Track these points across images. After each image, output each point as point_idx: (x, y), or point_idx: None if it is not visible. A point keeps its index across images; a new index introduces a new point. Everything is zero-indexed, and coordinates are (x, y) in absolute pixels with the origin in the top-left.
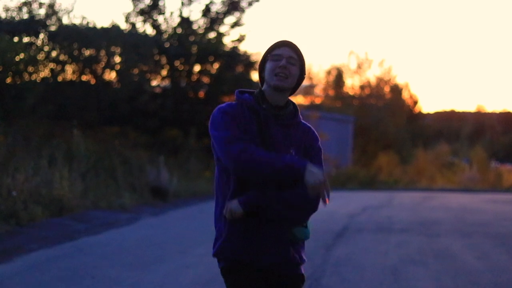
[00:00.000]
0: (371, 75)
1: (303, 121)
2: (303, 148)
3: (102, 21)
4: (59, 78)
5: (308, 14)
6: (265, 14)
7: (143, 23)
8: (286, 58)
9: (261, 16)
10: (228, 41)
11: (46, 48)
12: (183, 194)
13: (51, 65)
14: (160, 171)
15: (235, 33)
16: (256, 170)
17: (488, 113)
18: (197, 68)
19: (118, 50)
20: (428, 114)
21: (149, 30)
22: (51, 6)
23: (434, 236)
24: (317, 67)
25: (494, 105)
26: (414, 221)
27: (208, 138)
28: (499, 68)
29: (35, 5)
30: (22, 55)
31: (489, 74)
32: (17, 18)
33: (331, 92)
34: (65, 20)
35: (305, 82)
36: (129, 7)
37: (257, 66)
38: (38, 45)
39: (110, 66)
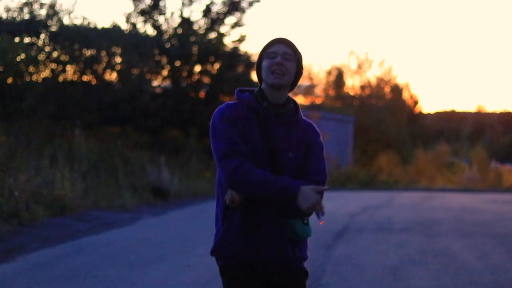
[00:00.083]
0: (372, 75)
1: (304, 117)
2: (305, 145)
3: (103, 22)
4: (60, 79)
5: (308, 14)
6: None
7: (143, 23)
8: (281, 55)
9: (262, 16)
10: (228, 42)
11: (47, 49)
12: (183, 194)
13: (52, 65)
14: (161, 171)
15: (235, 34)
16: (249, 191)
17: (488, 113)
18: (197, 68)
19: (119, 50)
20: (429, 114)
21: (150, 31)
22: (52, 6)
23: (434, 236)
24: (317, 67)
25: (494, 105)
26: (414, 221)
27: (208, 138)
28: (499, 68)
29: (36, 6)
30: (23, 56)
31: (489, 74)
32: (18, 19)
33: (331, 92)
34: (66, 21)
35: (306, 83)
36: (130, 7)
37: None
38: (39, 45)
39: (111, 66)
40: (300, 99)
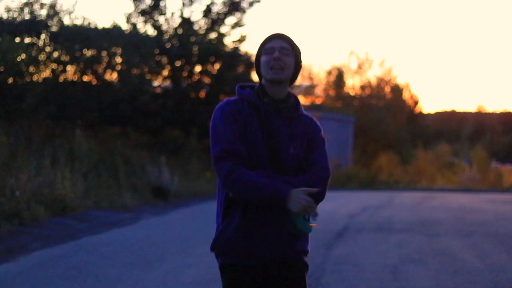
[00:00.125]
0: (372, 75)
1: (305, 112)
2: (306, 140)
3: (103, 22)
4: (61, 79)
5: (308, 14)
6: (265, 15)
7: (144, 23)
8: (278, 50)
9: (262, 16)
10: (229, 42)
11: (47, 49)
12: (184, 194)
13: (53, 65)
14: (161, 171)
15: (236, 34)
16: (241, 196)
17: (489, 113)
18: (198, 68)
19: (119, 50)
20: (429, 114)
21: (150, 31)
22: (52, 6)
23: (434, 235)
24: (317, 67)
25: (495, 105)
26: (414, 221)
27: (209, 138)
28: (499, 68)
29: (36, 6)
30: (23, 56)
31: (490, 74)
32: (18, 19)
33: (331, 92)
34: (67, 21)
35: (306, 83)
36: (130, 7)
37: None
38: (40, 45)
39: (111, 66)
40: (300, 99)
